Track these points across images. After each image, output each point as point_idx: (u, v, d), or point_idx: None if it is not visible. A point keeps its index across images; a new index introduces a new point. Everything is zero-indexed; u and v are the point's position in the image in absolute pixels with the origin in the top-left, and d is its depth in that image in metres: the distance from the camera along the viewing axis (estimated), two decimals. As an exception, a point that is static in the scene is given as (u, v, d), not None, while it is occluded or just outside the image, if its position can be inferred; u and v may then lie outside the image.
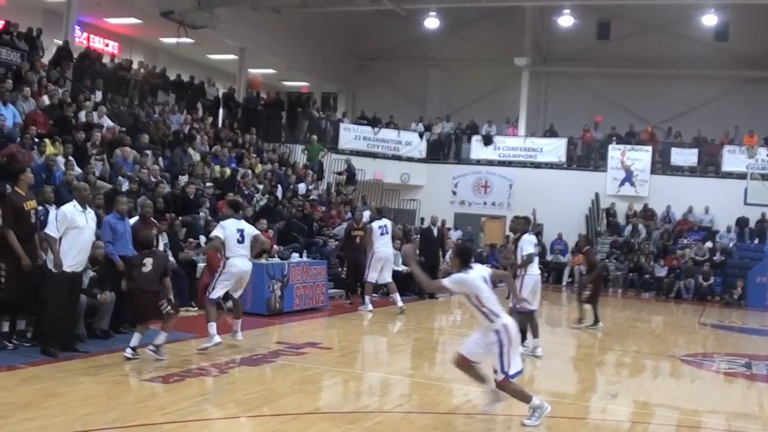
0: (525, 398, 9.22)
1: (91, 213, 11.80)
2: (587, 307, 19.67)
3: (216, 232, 13.48)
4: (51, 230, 11.23)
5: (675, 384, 13.92)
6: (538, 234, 32.53)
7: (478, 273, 9.31)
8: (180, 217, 18.70)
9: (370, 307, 19.77)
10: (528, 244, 14.35)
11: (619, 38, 38.21)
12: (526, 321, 14.06)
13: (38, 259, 11.71)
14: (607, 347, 17.45)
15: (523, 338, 14.90)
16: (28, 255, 11.29)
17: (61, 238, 11.26)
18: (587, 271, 19.41)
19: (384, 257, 20.22)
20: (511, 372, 9.09)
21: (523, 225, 14.73)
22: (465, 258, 9.46)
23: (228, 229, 13.26)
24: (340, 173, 32.09)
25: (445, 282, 9.36)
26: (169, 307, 11.85)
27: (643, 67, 37.08)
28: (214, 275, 13.52)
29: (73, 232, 11.29)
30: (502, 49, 37.94)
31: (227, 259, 13.17)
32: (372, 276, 20.11)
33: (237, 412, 9.49)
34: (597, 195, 34.57)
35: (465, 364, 9.46)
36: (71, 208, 11.45)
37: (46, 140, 18.28)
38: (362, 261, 20.53)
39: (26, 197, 11.82)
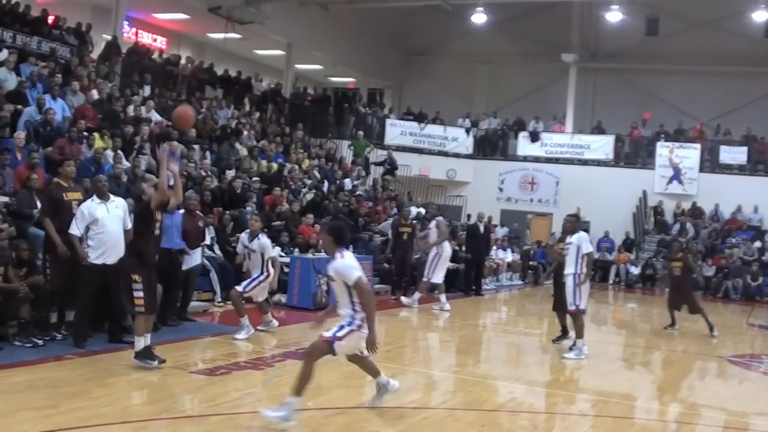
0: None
1: (115, 202, 11.68)
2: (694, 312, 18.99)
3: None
4: (72, 228, 11.31)
5: (722, 385, 13.80)
6: (585, 232, 32.52)
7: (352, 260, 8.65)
8: (227, 212, 18.78)
9: (447, 306, 19.57)
10: (587, 242, 14.18)
11: (668, 34, 37.84)
12: (576, 320, 13.99)
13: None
14: (654, 347, 17.30)
15: (563, 336, 14.95)
16: (68, 246, 11.39)
17: (88, 234, 11.33)
18: (681, 277, 18.83)
19: (448, 256, 20.15)
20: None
21: (574, 223, 14.52)
22: (338, 238, 8.70)
23: None
24: (379, 163, 32.00)
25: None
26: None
27: (692, 64, 36.62)
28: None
29: (95, 226, 11.33)
30: (549, 45, 37.76)
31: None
32: (439, 276, 19.90)
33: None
34: (644, 193, 34.32)
35: (354, 358, 9.13)
36: (89, 203, 11.50)
37: (95, 134, 18.43)
38: (410, 258, 20.47)
39: (68, 188, 12.00)
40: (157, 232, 10.79)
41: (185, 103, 24.92)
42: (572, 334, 14.25)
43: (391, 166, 31.93)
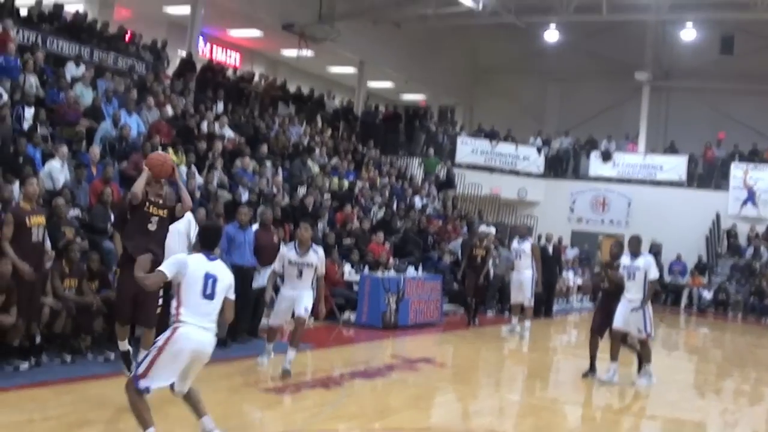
0: (141, 421, 7.44)
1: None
2: None
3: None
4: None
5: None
6: (657, 255, 32.12)
7: (201, 265, 7.66)
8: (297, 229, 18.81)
9: (518, 328, 19.00)
10: (655, 267, 13.57)
11: (742, 53, 37.24)
12: (644, 347, 13.62)
13: None
14: (726, 374, 17.01)
15: (640, 367, 14.24)
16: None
17: None
18: None
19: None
20: (146, 381, 7.42)
21: (636, 246, 13.60)
22: (205, 240, 8.05)
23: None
24: (438, 179, 31.77)
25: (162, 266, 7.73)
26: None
27: (768, 83, 36.08)
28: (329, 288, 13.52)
29: None
30: (622, 64, 37.42)
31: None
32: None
33: (352, 426, 9.48)
34: (718, 215, 33.75)
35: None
36: None
37: (169, 149, 18.61)
38: (483, 282, 20.14)
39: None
40: (153, 227, 9.91)
41: (258, 120, 25.15)
42: (612, 366, 13.60)
43: (447, 179, 31.83)
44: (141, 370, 7.46)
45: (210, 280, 7.59)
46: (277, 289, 12.47)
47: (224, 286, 7.68)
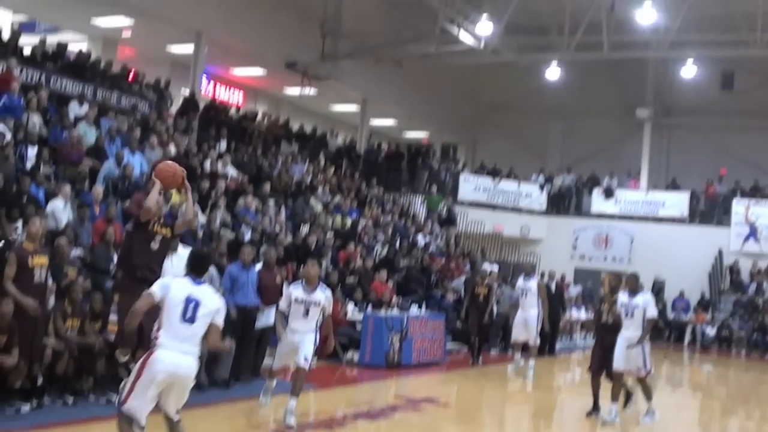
0: None
1: (180, 255, 11.43)
2: None
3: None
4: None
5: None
6: (660, 291, 32.07)
7: (183, 288, 7.71)
8: (301, 268, 18.78)
9: (522, 362, 18.71)
10: (653, 306, 13.54)
11: (743, 89, 37.36)
12: (644, 384, 13.54)
13: None
14: (730, 411, 16.93)
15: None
16: None
17: None
18: None
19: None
20: (127, 406, 7.42)
21: (634, 284, 13.46)
22: (193, 266, 7.98)
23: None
24: (440, 216, 31.79)
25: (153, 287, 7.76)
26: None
27: (769, 119, 36.15)
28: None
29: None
30: (623, 101, 37.60)
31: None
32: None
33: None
34: (720, 251, 33.70)
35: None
36: None
37: (172, 190, 18.60)
38: (486, 321, 20.03)
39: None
40: (156, 246, 9.90)
41: (261, 158, 25.16)
42: (613, 407, 13.38)
43: (448, 216, 31.83)
44: (122, 395, 7.49)
45: (191, 303, 7.60)
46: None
47: (208, 311, 7.66)
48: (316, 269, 11.72)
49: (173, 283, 7.72)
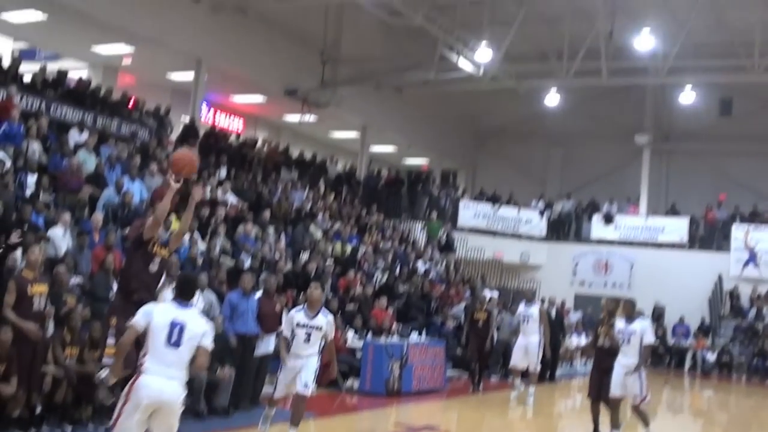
0: None
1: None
2: None
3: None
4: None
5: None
6: (660, 317, 32.03)
7: (167, 313, 7.71)
8: (302, 295, 18.77)
9: (522, 387, 18.63)
10: (651, 332, 13.52)
11: (741, 115, 37.46)
12: (640, 411, 13.47)
13: None
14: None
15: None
16: None
17: None
18: None
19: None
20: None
21: (631, 310, 13.39)
22: (180, 291, 8.01)
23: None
24: (439, 242, 31.78)
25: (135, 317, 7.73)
26: None
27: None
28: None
29: None
30: (622, 126, 37.67)
31: None
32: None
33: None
34: (720, 277, 33.64)
35: None
36: None
37: (172, 215, 18.58)
38: (485, 346, 19.99)
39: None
40: (155, 267, 9.61)
41: (261, 185, 25.17)
42: None
43: (447, 242, 31.84)
44: (111, 421, 7.52)
45: (176, 327, 7.58)
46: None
47: (194, 334, 7.64)
48: (319, 292, 11.63)
49: (156, 308, 7.73)
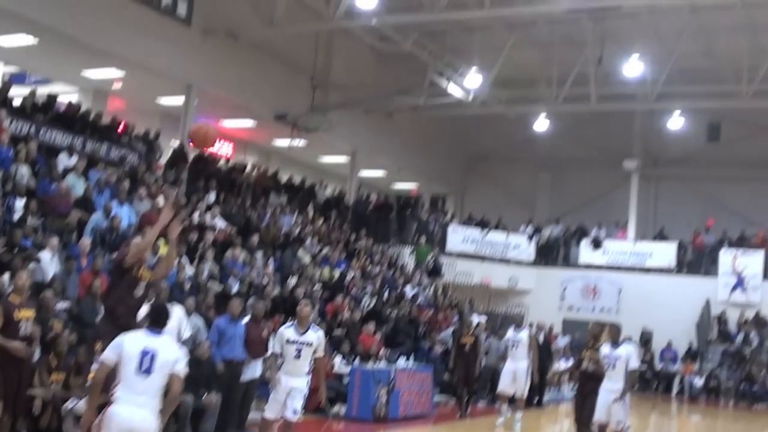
0: None
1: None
2: None
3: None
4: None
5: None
6: (647, 342, 32.07)
7: (138, 341, 7.68)
8: (289, 320, 18.77)
9: (509, 414, 18.51)
10: (636, 357, 13.58)
11: (729, 140, 37.58)
12: None
13: None
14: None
15: None
16: None
17: None
18: None
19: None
20: None
21: (615, 335, 13.45)
22: (153, 319, 7.95)
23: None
24: (427, 267, 31.79)
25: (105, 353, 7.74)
26: None
27: (755, 169, 36.25)
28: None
29: None
30: (611, 152, 37.72)
31: None
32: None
33: None
34: (708, 301, 33.67)
35: None
36: None
37: (160, 240, 18.59)
38: (472, 371, 19.97)
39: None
40: (140, 292, 9.50)
41: (250, 210, 25.18)
42: None
43: (434, 266, 31.88)
44: None
45: (147, 356, 7.56)
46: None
47: (166, 362, 7.61)
48: (309, 309, 11.63)
49: (126, 339, 7.69)
